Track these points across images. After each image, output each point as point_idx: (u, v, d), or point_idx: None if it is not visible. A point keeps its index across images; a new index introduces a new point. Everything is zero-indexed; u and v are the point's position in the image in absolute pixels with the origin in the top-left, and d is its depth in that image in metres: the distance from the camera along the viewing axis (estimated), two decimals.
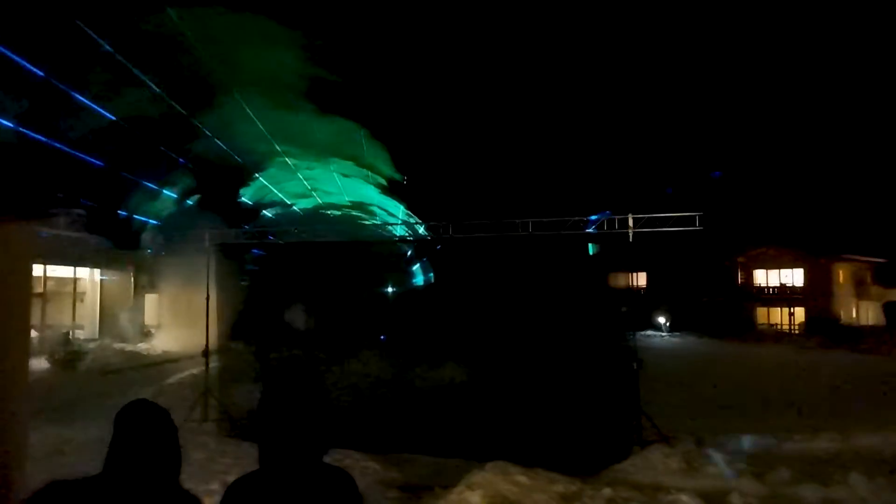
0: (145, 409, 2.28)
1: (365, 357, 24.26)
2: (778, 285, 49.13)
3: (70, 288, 28.33)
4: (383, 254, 43.95)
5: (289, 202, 43.35)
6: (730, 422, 13.69)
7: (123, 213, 33.04)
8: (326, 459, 2.23)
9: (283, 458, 2.12)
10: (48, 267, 25.37)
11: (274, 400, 2.19)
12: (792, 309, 47.40)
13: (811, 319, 44.00)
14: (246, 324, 28.09)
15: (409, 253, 51.08)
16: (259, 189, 40.61)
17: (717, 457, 10.12)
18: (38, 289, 24.34)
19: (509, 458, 8.95)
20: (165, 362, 22.83)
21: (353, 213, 46.08)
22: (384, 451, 10.64)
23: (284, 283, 33.14)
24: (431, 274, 51.55)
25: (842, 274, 48.29)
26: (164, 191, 34.85)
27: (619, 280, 50.58)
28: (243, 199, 40.13)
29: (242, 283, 30.78)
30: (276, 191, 41.51)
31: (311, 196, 43.49)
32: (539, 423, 11.46)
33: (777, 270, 49.22)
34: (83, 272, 28.99)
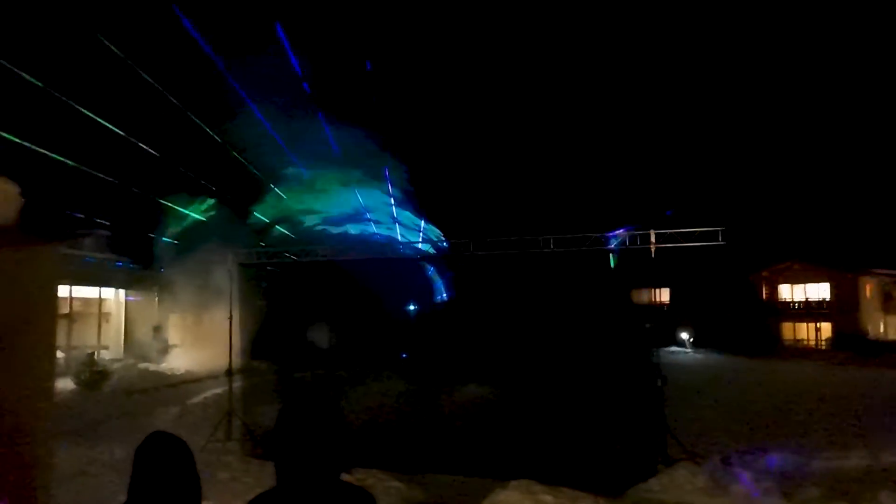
0: (164, 442, 2.37)
1: (387, 376, 24.30)
2: (803, 300, 48.42)
3: (95, 308, 28.62)
4: (404, 271, 43.93)
5: (303, 218, 43.40)
6: (757, 440, 13.50)
7: (146, 233, 33.33)
8: (349, 479, 2.23)
9: (299, 476, 2.13)
10: (74, 287, 25.68)
11: (290, 418, 2.20)
12: (818, 324, 46.70)
13: (838, 335, 43.28)
14: (269, 343, 28.24)
15: (430, 270, 51.11)
16: (275, 206, 40.75)
17: (745, 475, 9.96)
18: (65, 309, 24.62)
19: (533, 476, 8.89)
20: (189, 382, 22.95)
21: (373, 229, 46.14)
22: (407, 471, 10.60)
23: (306, 301, 33.28)
24: (453, 291, 51.48)
25: (868, 288, 47.54)
26: (186, 210, 35.13)
27: (642, 296, 50.22)
28: (259, 216, 40.27)
29: (263, 302, 30.93)
30: (292, 206, 41.64)
31: (325, 211, 43.57)
32: (563, 441, 11.37)
33: (802, 285, 48.51)
34: (108, 293, 29.29)
